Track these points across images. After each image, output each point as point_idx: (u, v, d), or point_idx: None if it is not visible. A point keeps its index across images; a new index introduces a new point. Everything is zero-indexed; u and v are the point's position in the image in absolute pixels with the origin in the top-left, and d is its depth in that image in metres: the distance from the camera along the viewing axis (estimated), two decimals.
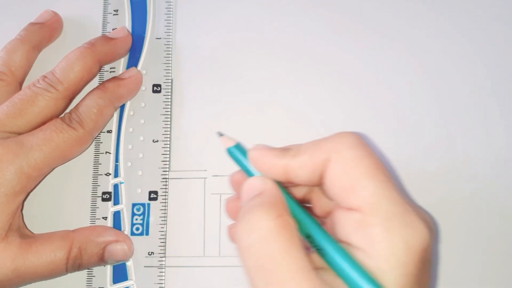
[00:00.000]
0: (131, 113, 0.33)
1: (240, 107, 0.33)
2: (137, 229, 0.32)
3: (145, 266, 0.31)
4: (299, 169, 0.23)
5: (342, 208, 0.22)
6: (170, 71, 0.34)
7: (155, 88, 0.34)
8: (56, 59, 0.32)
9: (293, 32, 0.34)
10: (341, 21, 0.35)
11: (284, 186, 0.24)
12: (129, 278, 0.31)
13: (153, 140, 0.33)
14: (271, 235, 0.21)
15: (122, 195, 0.32)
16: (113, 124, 0.33)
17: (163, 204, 0.32)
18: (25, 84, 0.33)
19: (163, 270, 0.31)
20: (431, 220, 0.23)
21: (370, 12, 0.35)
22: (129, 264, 0.31)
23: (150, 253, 0.31)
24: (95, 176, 0.32)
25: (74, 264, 0.29)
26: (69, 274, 0.31)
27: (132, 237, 0.31)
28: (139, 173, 0.32)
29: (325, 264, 0.22)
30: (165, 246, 0.31)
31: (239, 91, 0.34)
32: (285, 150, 0.24)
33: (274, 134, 0.33)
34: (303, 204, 0.26)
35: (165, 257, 0.31)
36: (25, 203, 0.31)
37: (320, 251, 0.22)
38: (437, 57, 0.34)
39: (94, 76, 0.33)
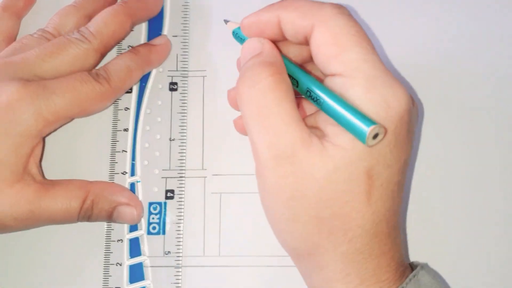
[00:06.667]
0: (148, 111, 0.33)
1: None
2: (154, 228, 0.31)
3: (162, 266, 0.31)
4: (288, 23, 0.25)
5: (328, 76, 0.24)
6: (187, 69, 0.34)
7: (171, 86, 0.33)
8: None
9: None
10: None
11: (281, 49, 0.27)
12: (145, 278, 0.31)
13: (170, 138, 0.33)
14: (269, 89, 0.23)
15: (138, 194, 0.32)
16: (129, 123, 0.33)
17: (180, 203, 0.32)
18: None
19: (180, 269, 0.31)
20: (411, 96, 0.24)
21: None
22: (146, 263, 0.31)
23: (166, 253, 0.31)
24: (112, 175, 0.32)
25: (85, 215, 0.30)
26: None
27: (149, 236, 0.31)
28: (156, 171, 0.32)
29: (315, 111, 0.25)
30: (181, 245, 0.31)
31: None
32: (277, 3, 0.25)
33: None
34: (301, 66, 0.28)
35: (182, 256, 0.31)
36: None
37: (318, 101, 0.23)
38: None
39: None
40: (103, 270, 0.31)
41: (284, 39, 0.26)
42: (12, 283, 0.31)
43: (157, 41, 0.33)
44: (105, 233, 0.31)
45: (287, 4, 0.25)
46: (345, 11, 0.24)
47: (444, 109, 0.32)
